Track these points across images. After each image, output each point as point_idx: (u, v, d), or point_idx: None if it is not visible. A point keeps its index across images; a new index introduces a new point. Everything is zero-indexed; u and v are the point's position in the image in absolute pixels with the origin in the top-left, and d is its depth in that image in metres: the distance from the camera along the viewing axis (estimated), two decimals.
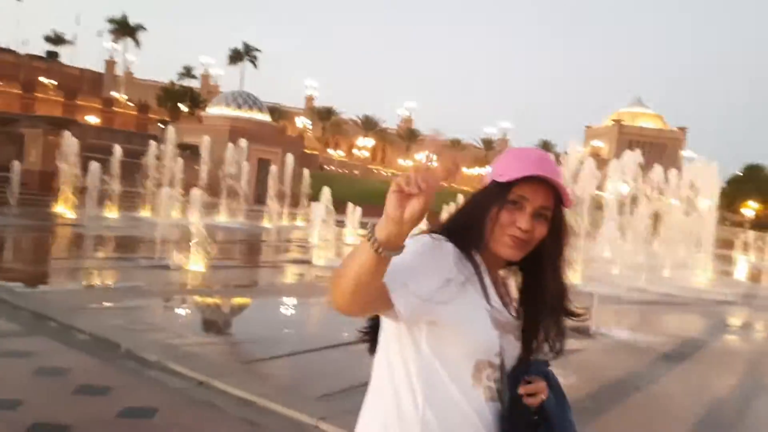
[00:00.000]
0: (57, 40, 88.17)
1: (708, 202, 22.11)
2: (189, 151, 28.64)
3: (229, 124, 39.34)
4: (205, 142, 27.51)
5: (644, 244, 18.53)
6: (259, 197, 30.99)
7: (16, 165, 22.00)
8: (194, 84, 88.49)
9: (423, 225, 1.39)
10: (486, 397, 1.55)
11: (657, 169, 21.28)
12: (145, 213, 22.36)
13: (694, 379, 7.63)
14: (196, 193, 13.68)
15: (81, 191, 20.98)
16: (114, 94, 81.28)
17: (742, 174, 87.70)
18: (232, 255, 16.82)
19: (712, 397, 6.87)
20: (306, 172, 30.77)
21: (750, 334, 12.30)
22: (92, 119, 61.13)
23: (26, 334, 6.59)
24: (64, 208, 20.62)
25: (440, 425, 1.50)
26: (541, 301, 1.67)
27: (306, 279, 13.31)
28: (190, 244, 11.92)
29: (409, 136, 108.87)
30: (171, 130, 26.47)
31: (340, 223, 18.58)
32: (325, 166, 72.74)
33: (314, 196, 20.79)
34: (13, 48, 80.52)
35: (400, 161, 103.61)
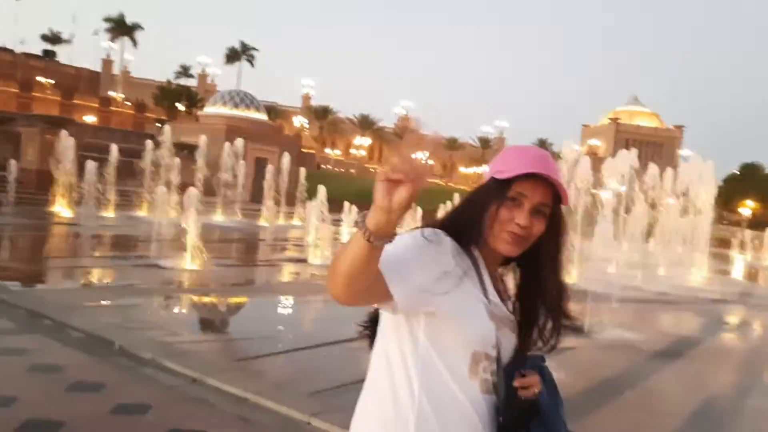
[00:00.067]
0: (54, 39, 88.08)
1: (704, 201, 22.15)
2: (186, 151, 28.62)
3: (225, 123, 39.34)
4: (202, 142, 27.48)
5: (640, 243, 18.55)
6: (256, 196, 30.98)
7: (13, 164, 21.99)
8: (191, 83, 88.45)
9: (419, 223, 1.41)
10: (482, 389, 1.57)
11: (652, 169, 21.29)
12: (141, 212, 22.36)
13: (687, 377, 7.66)
14: (193, 192, 13.67)
15: (78, 190, 20.98)
16: (111, 93, 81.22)
17: (739, 173, 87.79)
18: (227, 254, 16.84)
19: (706, 395, 6.90)
20: (303, 171, 30.77)
21: (744, 333, 12.33)
22: (89, 118, 61.09)
23: (21, 332, 6.60)
24: (60, 207, 20.61)
25: (436, 414, 1.52)
26: (538, 297, 1.69)
27: (301, 278, 13.32)
28: (186, 243, 11.93)
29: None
30: (168, 130, 26.44)
31: (337, 222, 18.56)
32: (322, 165, 72.71)
33: (311, 195, 20.79)
34: (10, 47, 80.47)
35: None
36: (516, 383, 1.60)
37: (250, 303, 10.33)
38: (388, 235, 1.31)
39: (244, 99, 45.30)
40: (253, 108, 45.12)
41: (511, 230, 1.58)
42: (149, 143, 24.13)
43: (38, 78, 72.37)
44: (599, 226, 15.56)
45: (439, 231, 1.57)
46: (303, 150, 55.42)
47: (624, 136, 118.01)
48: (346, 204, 20.34)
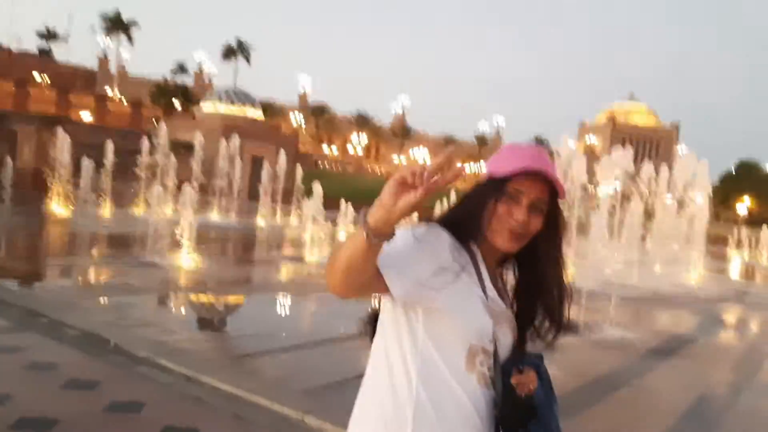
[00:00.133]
0: (50, 36, 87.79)
1: (700, 199, 22.16)
2: (183, 150, 28.57)
3: (222, 121, 39.24)
4: (198, 139, 27.43)
5: (636, 241, 18.57)
6: (253, 194, 30.94)
7: (9, 162, 21.93)
8: (188, 80, 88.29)
9: (415, 218, 1.43)
10: (480, 383, 1.58)
11: (647, 167, 21.28)
12: (137, 210, 22.32)
13: (682, 375, 7.67)
14: (189, 190, 13.67)
15: (74, 189, 20.93)
16: (107, 90, 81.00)
17: (735, 171, 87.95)
18: (224, 252, 16.84)
19: (700, 393, 6.92)
20: (299, 169, 30.74)
21: (740, 331, 12.37)
22: (85, 116, 60.92)
23: (16, 330, 6.60)
24: (56, 206, 20.58)
25: (433, 406, 1.54)
26: (536, 294, 1.71)
27: (298, 276, 13.33)
28: (182, 241, 11.93)
29: (403, 133, 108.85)
30: (164, 127, 26.39)
31: (333, 220, 18.60)
32: (319, 163, 72.67)
33: (308, 193, 20.79)
34: (5, 44, 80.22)
35: (394, 157, 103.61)
36: (513, 380, 1.61)
37: (245, 301, 10.34)
38: (387, 234, 1.34)
39: (240, 96, 45.25)
40: (249, 105, 45.06)
41: (509, 226, 1.60)
42: (145, 141, 24.09)
43: (34, 75, 72.11)
44: (595, 223, 15.59)
45: (437, 226, 1.59)
46: (300, 148, 55.39)
47: (621, 134, 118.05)
48: (343, 202, 20.37)
